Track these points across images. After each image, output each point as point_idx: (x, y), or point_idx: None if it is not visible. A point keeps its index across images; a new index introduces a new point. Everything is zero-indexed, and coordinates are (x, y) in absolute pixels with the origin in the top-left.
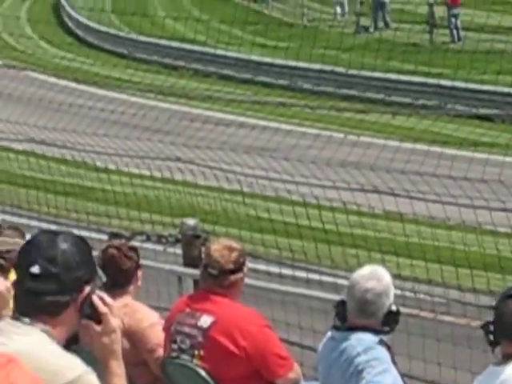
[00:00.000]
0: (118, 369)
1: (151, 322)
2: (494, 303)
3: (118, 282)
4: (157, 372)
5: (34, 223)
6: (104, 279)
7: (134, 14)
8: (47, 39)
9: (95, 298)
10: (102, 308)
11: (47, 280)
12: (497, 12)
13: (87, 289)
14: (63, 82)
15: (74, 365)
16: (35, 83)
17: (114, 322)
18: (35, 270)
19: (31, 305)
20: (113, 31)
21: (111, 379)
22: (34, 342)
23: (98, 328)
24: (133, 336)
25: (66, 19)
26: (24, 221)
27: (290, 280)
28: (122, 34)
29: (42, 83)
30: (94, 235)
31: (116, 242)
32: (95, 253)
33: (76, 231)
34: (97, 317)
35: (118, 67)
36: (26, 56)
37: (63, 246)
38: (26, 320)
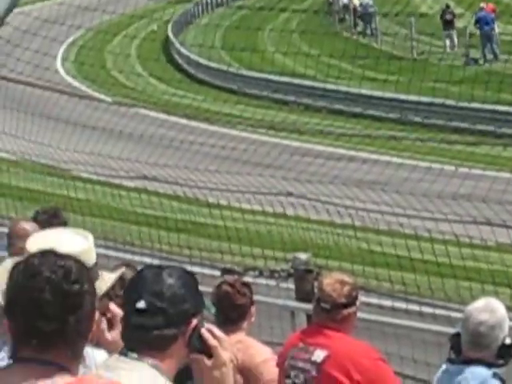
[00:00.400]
0: None
1: (265, 358)
2: None
3: (231, 318)
4: None
5: (147, 260)
6: (213, 310)
7: (244, 50)
8: (157, 76)
9: (204, 331)
10: (212, 341)
11: (154, 315)
12: None
13: (194, 321)
14: (174, 119)
15: None
16: (146, 120)
17: (225, 356)
18: (141, 305)
19: (138, 340)
20: (223, 67)
21: None
22: (143, 377)
23: (208, 362)
24: (246, 372)
25: (176, 56)
26: (137, 258)
27: (403, 313)
28: (232, 69)
29: (153, 120)
30: (206, 271)
31: (229, 278)
32: (209, 289)
33: (189, 267)
34: (207, 350)
35: (228, 103)
36: (137, 93)
37: (169, 280)
38: (134, 355)
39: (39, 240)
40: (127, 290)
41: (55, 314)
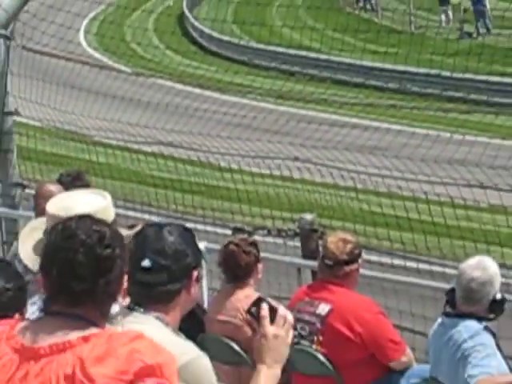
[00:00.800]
0: (262, 374)
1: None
2: None
3: (238, 276)
4: None
5: (163, 220)
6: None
7: (254, 24)
8: (173, 48)
9: (264, 304)
10: (264, 312)
11: (158, 272)
12: None
13: (195, 273)
14: (188, 88)
15: (187, 349)
16: (162, 90)
17: (268, 330)
18: (146, 263)
19: (144, 295)
20: (234, 40)
21: (255, 380)
22: (148, 330)
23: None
24: (253, 323)
25: (190, 30)
26: (154, 217)
27: (402, 270)
28: (242, 42)
29: (169, 89)
30: (219, 230)
31: (236, 238)
32: (218, 246)
33: (202, 227)
34: (258, 319)
35: (239, 74)
36: (154, 64)
37: (170, 238)
38: (140, 309)
39: (58, 201)
40: (131, 248)
41: (86, 275)
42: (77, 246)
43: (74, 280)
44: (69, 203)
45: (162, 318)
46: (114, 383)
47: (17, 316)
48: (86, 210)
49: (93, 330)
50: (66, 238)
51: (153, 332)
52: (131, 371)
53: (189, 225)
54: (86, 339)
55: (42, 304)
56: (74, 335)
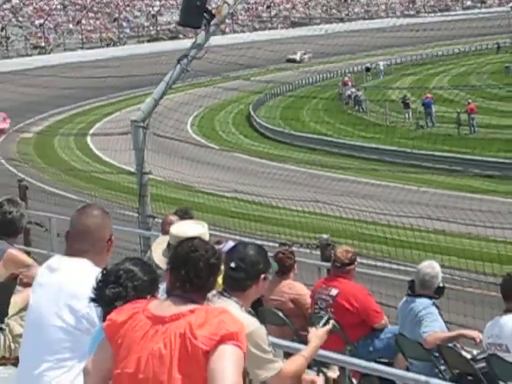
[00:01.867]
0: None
1: (305, 292)
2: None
3: (283, 272)
4: (307, 320)
5: (238, 237)
6: (275, 267)
7: (292, 120)
8: (243, 134)
9: (331, 320)
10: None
11: (239, 271)
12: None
13: (263, 276)
14: (253, 158)
15: (252, 321)
16: (237, 159)
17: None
18: (232, 265)
19: (230, 286)
20: (280, 129)
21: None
22: (230, 308)
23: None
24: (295, 300)
25: (254, 123)
26: (232, 236)
27: (381, 268)
28: (285, 131)
29: (241, 159)
30: (271, 244)
31: (282, 248)
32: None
33: (261, 242)
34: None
35: (283, 149)
36: (232, 144)
37: (250, 251)
38: (227, 294)
39: (178, 227)
40: (226, 256)
41: (204, 275)
42: (200, 257)
43: (196, 278)
44: (184, 229)
45: (238, 302)
46: (208, 341)
47: (148, 297)
48: (195, 233)
49: (196, 306)
50: (193, 251)
51: (232, 310)
52: (219, 334)
53: (252, 240)
54: (192, 311)
55: (166, 290)
56: (185, 309)
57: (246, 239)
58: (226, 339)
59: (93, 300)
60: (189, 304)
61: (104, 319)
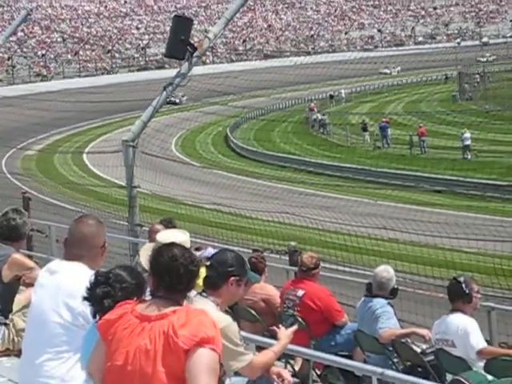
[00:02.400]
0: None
1: (274, 293)
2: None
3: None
4: (277, 318)
5: (216, 244)
6: (253, 280)
7: (264, 141)
8: (222, 153)
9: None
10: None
11: (212, 270)
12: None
13: (232, 279)
14: (230, 174)
15: (224, 318)
16: (216, 175)
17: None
18: (207, 263)
19: (206, 285)
20: (253, 149)
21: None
22: (207, 307)
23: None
24: (266, 300)
25: (231, 143)
26: (210, 243)
27: (342, 272)
28: (258, 150)
29: (219, 175)
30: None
31: (254, 254)
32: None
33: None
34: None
35: (257, 167)
36: (211, 162)
37: (227, 255)
38: (204, 294)
39: (163, 234)
40: (208, 259)
41: (184, 280)
42: (180, 266)
43: (178, 283)
44: (168, 236)
45: (214, 301)
46: (188, 341)
47: (135, 299)
48: (178, 240)
49: (178, 307)
50: (173, 261)
51: (208, 308)
52: (199, 336)
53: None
54: (174, 312)
55: (150, 292)
56: (168, 309)
57: (224, 246)
58: (204, 342)
59: (85, 298)
60: (171, 305)
61: (94, 316)
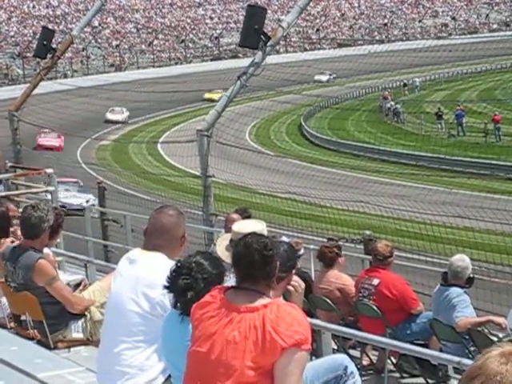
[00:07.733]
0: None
1: (350, 282)
2: None
3: (329, 264)
4: (352, 307)
5: (289, 233)
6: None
7: (339, 129)
8: (295, 142)
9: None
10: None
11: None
12: None
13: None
14: (303, 163)
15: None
16: (290, 163)
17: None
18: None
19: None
20: (327, 137)
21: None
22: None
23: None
24: (342, 289)
25: (305, 132)
26: (285, 232)
27: (417, 261)
28: (333, 139)
29: (294, 164)
30: (320, 239)
31: (329, 243)
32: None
33: (310, 237)
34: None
35: (330, 155)
36: (285, 150)
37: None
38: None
39: (239, 225)
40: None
41: (260, 266)
42: (253, 252)
43: (255, 270)
44: (244, 226)
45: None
46: (288, 339)
47: (221, 286)
48: (254, 230)
49: (267, 300)
50: (247, 248)
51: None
52: (298, 335)
53: (303, 236)
54: (265, 306)
55: (236, 283)
56: (258, 303)
57: (298, 235)
58: (302, 344)
59: (166, 288)
60: (259, 297)
61: (175, 306)
